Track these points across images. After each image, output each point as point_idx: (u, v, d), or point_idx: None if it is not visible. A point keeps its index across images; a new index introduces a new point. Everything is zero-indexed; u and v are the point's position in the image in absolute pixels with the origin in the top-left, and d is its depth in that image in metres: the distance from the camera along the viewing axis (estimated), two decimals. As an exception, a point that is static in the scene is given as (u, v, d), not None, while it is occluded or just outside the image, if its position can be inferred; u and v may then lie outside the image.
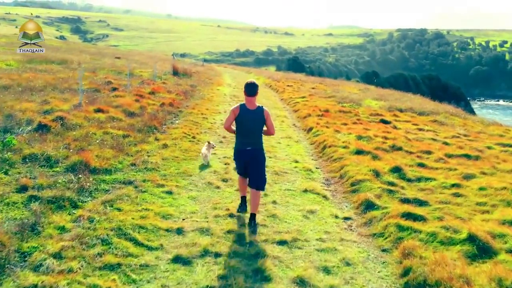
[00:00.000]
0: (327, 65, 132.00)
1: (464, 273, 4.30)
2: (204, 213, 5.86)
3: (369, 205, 6.40)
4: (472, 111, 34.17)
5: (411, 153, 10.06)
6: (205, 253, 4.73)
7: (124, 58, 37.56)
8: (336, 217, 6.08)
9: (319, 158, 9.62)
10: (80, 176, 6.53)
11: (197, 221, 5.55)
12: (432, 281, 4.25)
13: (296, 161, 8.99)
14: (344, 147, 9.78)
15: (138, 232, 5.04)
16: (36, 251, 4.45)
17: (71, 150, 7.75)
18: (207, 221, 5.56)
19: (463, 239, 5.19)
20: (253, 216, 5.53)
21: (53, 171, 6.89)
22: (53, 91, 14.85)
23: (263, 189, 5.76)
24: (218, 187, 6.96)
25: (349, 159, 8.72)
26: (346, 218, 6.08)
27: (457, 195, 7.14)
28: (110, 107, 11.90)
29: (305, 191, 7.06)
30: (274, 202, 6.46)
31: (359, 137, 11.18)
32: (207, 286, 4.13)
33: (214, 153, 9.22)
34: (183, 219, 5.57)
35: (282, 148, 10.29)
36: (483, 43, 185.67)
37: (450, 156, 9.99)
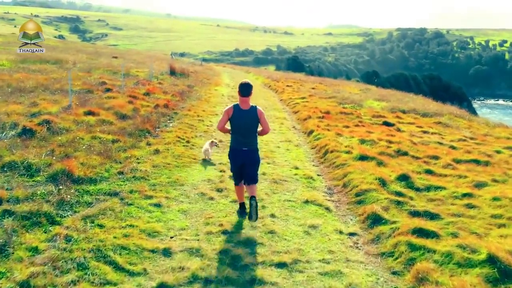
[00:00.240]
0: (327, 65, 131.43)
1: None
2: (195, 229, 5.31)
3: (376, 219, 5.86)
4: (474, 112, 33.61)
5: (417, 158, 9.54)
6: (193, 279, 4.18)
7: (121, 58, 36.98)
8: (341, 232, 5.54)
9: (320, 164, 9.08)
10: (61, 187, 5.99)
11: (186, 239, 5.00)
12: (453, 314, 3.72)
13: (296, 168, 8.44)
14: (347, 152, 9.24)
15: (120, 254, 4.49)
16: (2, 278, 3.91)
17: (54, 157, 7.21)
18: (198, 240, 5.02)
19: (482, 260, 4.66)
20: (253, 197, 5.45)
21: (33, 181, 6.35)
22: (44, 92, 14.32)
23: (256, 181, 5.73)
24: (211, 198, 6.41)
25: (352, 166, 8.18)
26: (351, 234, 5.54)
27: (469, 206, 6.61)
28: (101, 109, 11.35)
29: (306, 202, 6.51)
30: (272, 215, 5.91)
31: (362, 141, 10.65)
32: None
33: (209, 159, 8.68)
34: (171, 237, 5.03)
35: (281, 153, 9.75)
36: (483, 43, 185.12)
37: (458, 161, 9.47)
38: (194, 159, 8.56)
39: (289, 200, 6.57)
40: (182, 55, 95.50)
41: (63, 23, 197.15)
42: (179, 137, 9.97)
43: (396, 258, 4.88)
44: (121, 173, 7.07)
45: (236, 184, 5.86)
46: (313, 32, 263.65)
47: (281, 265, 4.58)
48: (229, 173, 7.66)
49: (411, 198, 6.73)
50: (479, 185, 7.64)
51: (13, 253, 4.33)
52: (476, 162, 9.46)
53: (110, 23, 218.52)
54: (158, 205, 5.92)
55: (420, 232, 5.33)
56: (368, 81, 48.28)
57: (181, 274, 4.20)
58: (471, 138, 12.85)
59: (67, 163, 6.75)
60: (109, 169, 7.19)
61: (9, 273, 3.99)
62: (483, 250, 4.79)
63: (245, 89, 5.48)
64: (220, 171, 7.85)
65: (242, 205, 5.86)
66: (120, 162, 7.64)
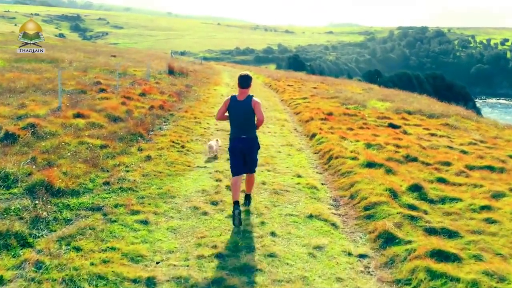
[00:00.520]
0: (328, 63, 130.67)
1: None
2: (185, 252, 4.68)
3: (388, 238, 5.24)
4: (479, 113, 32.93)
5: (427, 164, 8.92)
6: (180, 318, 3.58)
7: (120, 57, 36.35)
8: (350, 254, 4.92)
9: (324, 171, 8.45)
10: (37, 201, 5.38)
11: (174, 265, 4.37)
12: None
13: (299, 176, 7.81)
14: (353, 159, 8.62)
15: (96, 286, 3.88)
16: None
17: (35, 166, 6.61)
18: (188, 266, 4.39)
19: (513, 291, 4.06)
20: (248, 196, 6.01)
21: (9, 193, 5.76)
22: (35, 92, 13.74)
23: (254, 171, 6.03)
24: (205, 213, 5.78)
25: (359, 174, 7.56)
26: (361, 256, 4.92)
27: (489, 221, 5.99)
28: (92, 111, 10.75)
29: (310, 216, 5.89)
30: (273, 233, 5.28)
31: (368, 145, 10.04)
32: None
33: (205, 166, 8.07)
34: (157, 263, 4.40)
35: (282, 158, 9.13)
36: (484, 41, 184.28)
37: (471, 168, 8.86)
38: (189, 166, 7.94)
39: (291, 215, 5.95)
40: (182, 53, 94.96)
41: (64, 22, 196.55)
42: (173, 142, 9.35)
43: (414, 288, 4.27)
44: (107, 183, 6.46)
45: (233, 172, 5.75)
46: (314, 30, 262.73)
47: (282, 297, 3.97)
48: (225, 182, 7.07)
49: (426, 212, 6.11)
50: (497, 196, 7.02)
51: (-28, 284, 3.74)
52: (490, 168, 8.85)
53: (111, 21, 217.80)
54: (145, 222, 5.30)
55: (440, 255, 4.72)
56: (370, 80, 47.62)
57: (165, 312, 3.59)
58: (481, 141, 12.25)
59: (47, 173, 6.14)
60: (94, 179, 6.58)
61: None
62: (513, 277, 4.19)
63: (244, 81, 5.64)
64: (216, 180, 7.22)
65: (236, 205, 5.41)
66: (107, 171, 7.03)
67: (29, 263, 4.12)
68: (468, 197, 6.92)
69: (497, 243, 5.27)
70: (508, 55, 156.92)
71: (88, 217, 5.29)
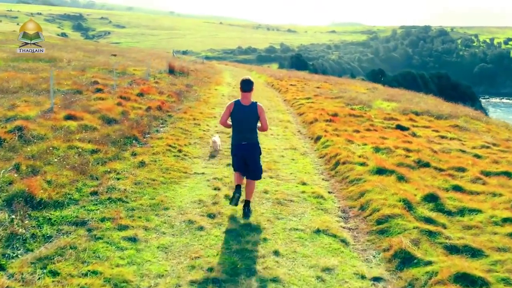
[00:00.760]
0: (330, 63, 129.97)
1: None
2: (176, 276, 4.12)
3: (406, 258, 4.68)
4: (486, 113, 32.27)
5: (441, 170, 8.35)
6: None
7: (121, 56, 35.87)
8: (363, 277, 4.36)
9: (331, 177, 7.89)
10: (14, 216, 4.84)
11: (164, 293, 3.84)
12: None
13: (304, 183, 7.25)
14: (362, 164, 8.06)
15: (70, 321, 3.35)
16: None
17: (18, 174, 6.07)
18: (179, 294, 3.85)
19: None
20: (247, 202, 5.75)
21: (-14, 205, 5.21)
22: (29, 92, 13.22)
23: (259, 178, 5.98)
24: (201, 228, 5.21)
25: (369, 182, 7.00)
26: (376, 279, 4.35)
27: (514, 236, 5.44)
28: (85, 113, 10.21)
29: (318, 231, 5.32)
30: (276, 252, 4.71)
31: (377, 149, 9.47)
32: None
33: (202, 173, 7.52)
34: (144, 291, 3.87)
35: (285, 163, 8.58)
36: (488, 40, 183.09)
37: (487, 174, 8.29)
38: (185, 172, 7.38)
39: (297, 229, 5.38)
40: (184, 53, 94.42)
41: (66, 21, 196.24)
42: (170, 145, 8.80)
43: (439, 320, 3.71)
44: (95, 193, 5.92)
45: (235, 171, 5.95)
46: (316, 30, 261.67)
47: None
48: (224, 191, 6.54)
49: (444, 226, 5.54)
50: (519, 206, 6.46)
51: None
52: (508, 175, 8.28)
53: (113, 21, 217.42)
54: (133, 239, 4.74)
55: (465, 279, 4.18)
56: (374, 80, 47.04)
57: None
58: (494, 144, 11.65)
59: (29, 182, 5.60)
60: (81, 188, 6.04)
61: None
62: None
63: (246, 85, 5.64)
64: (215, 189, 6.67)
65: (237, 187, 5.77)
66: (97, 178, 6.48)
67: (-4, 291, 3.59)
68: (488, 207, 6.36)
69: (526, 263, 4.72)
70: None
71: (70, 234, 4.75)
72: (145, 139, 9.28)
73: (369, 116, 14.62)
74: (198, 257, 4.49)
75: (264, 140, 10.33)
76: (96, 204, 5.59)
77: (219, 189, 6.64)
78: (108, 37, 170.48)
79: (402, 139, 10.96)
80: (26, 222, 4.80)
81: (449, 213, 6.07)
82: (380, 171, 7.57)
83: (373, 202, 6.13)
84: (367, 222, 5.75)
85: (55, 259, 4.17)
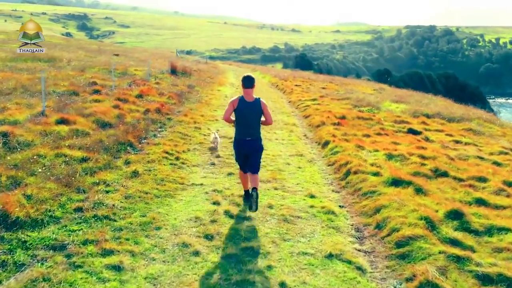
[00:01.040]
0: (335, 62, 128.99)
1: None
2: (165, 318, 3.51)
3: (433, 291, 4.03)
4: (496, 115, 31.44)
5: (460, 180, 7.68)
6: None
7: (123, 55, 35.28)
8: (384, 316, 3.72)
9: (341, 188, 7.23)
10: (-18, 239, 4.23)
11: None
12: None
13: (312, 196, 6.60)
14: (375, 174, 7.40)
15: None
16: None
17: (-5, 187, 5.47)
18: None
19: None
20: (254, 189, 5.57)
21: (-45, 225, 4.60)
22: (23, 94, 12.63)
23: (258, 170, 5.96)
24: (196, 253, 4.56)
25: (385, 195, 6.34)
26: (399, 319, 3.72)
27: (553, 260, 4.77)
28: (79, 116, 9.61)
29: (330, 256, 4.66)
30: (283, 285, 4.06)
31: (390, 156, 8.82)
32: None
33: (201, 184, 6.89)
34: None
35: (292, 172, 7.93)
36: (493, 40, 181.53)
37: (510, 184, 7.62)
38: (182, 183, 6.74)
39: (306, 253, 4.73)
40: (188, 53, 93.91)
41: (71, 21, 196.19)
42: (167, 152, 8.16)
43: None
44: (79, 209, 5.29)
45: (241, 169, 6.15)
46: (320, 29, 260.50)
47: None
48: (224, 206, 5.91)
49: (473, 250, 4.88)
50: (551, 223, 5.79)
51: None
52: (533, 185, 7.60)
53: (118, 20, 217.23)
54: (117, 268, 4.10)
55: (505, 320, 3.52)
56: (380, 80, 46.27)
57: None
58: (512, 150, 10.98)
59: (5, 198, 4.98)
60: (64, 203, 5.41)
61: None
62: None
63: (248, 81, 5.74)
64: (214, 203, 6.02)
65: (246, 192, 6.20)
66: (84, 191, 5.86)
67: None
68: (518, 225, 5.69)
69: None
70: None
71: (46, 261, 4.12)
72: (140, 145, 8.65)
73: (378, 119, 13.95)
74: (192, 291, 3.85)
75: (269, 145, 9.69)
76: (80, 223, 4.96)
77: (218, 204, 6.00)
78: (112, 37, 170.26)
79: (415, 144, 10.29)
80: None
81: (476, 232, 5.40)
82: (396, 182, 6.91)
83: (391, 220, 5.47)
84: (385, 244, 5.08)
85: (23, 294, 3.56)
